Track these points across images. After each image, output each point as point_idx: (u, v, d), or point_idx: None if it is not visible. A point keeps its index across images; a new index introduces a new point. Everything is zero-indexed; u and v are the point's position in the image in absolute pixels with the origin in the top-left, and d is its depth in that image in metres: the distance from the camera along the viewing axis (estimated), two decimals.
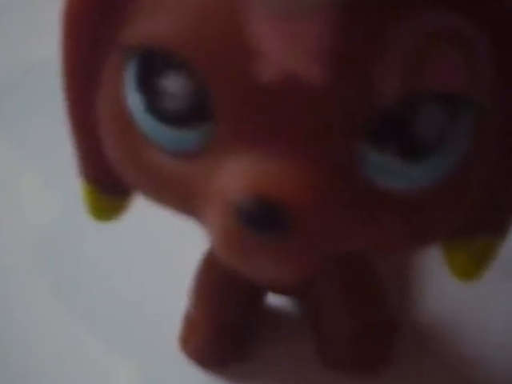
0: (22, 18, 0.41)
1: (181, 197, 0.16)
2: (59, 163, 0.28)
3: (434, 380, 0.22)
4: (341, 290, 0.21)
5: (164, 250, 0.25)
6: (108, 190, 0.18)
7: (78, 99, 0.17)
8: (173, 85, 0.14)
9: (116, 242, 0.26)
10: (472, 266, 0.17)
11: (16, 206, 0.29)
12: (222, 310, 0.22)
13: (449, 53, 0.13)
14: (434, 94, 0.13)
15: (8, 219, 0.28)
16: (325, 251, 0.15)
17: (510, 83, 0.14)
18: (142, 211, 0.18)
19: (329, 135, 0.13)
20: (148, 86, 0.15)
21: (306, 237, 0.14)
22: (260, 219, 0.13)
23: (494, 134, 0.15)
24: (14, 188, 0.29)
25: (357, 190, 0.14)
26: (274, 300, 0.23)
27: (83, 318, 0.24)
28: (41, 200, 0.29)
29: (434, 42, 0.13)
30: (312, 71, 0.13)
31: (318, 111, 0.13)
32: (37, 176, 0.30)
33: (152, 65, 0.14)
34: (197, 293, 0.22)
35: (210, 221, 0.15)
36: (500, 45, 0.14)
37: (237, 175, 0.14)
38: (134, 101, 0.15)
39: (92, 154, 0.17)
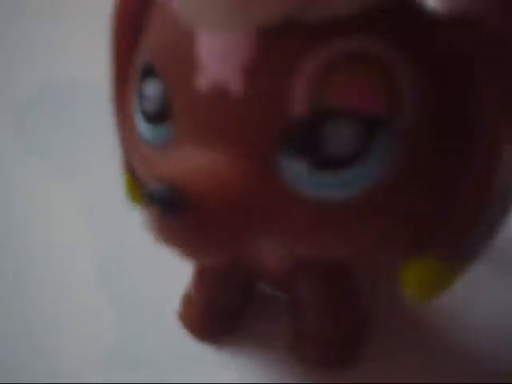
0: (49, 37, 0.43)
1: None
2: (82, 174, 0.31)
3: (434, 377, 0.22)
4: (317, 290, 0.22)
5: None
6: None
7: (119, 101, 0.20)
8: (149, 91, 0.17)
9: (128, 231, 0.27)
10: (424, 287, 0.17)
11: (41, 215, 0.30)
12: (217, 290, 0.23)
13: (362, 75, 0.14)
14: (346, 114, 0.14)
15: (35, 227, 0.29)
16: (235, 239, 0.16)
17: (442, 106, 0.15)
18: None
19: (247, 139, 0.15)
20: (139, 90, 0.17)
21: (196, 216, 0.15)
22: (159, 199, 0.15)
23: (425, 154, 0.15)
24: (38, 199, 0.31)
25: (268, 190, 0.15)
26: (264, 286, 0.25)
27: (93, 295, 0.26)
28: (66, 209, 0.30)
29: (345, 65, 0.14)
30: (235, 83, 0.15)
31: (239, 118, 0.15)
32: (60, 186, 0.31)
33: (143, 74, 0.17)
34: (196, 274, 0.23)
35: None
36: (424, 68, 0.15)
37: (164, 167, 0.16)
38: (134, 103, 0.18)
39: (131, 147, 0.20)
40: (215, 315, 0.24)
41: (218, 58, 0.15)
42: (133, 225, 0.21)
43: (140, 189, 0.21)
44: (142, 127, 0.18)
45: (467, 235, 0.16)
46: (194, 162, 0.15)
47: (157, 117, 0.17)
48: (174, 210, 0.15)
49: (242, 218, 0.15)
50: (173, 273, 0.25)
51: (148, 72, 0.17)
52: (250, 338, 0.24)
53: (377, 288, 0.25)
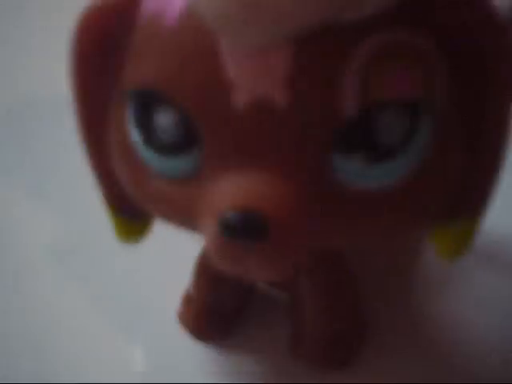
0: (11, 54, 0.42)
1: (181, 216, 0.17)
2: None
3: (434, 378, 0.22)
4: (317, 292, 0.22)
5: (171, 243, 0.25)
6: (127, 214, 0.19)
7: (91, 138, 0.18)
8: (163, 120, 0.15)
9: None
10: (457, 246, 0.18)
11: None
12: (215, 292, 0.24)
13: (403, 65, 0.14)
14: (394, 103, 0.14)
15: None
16: (304, 251, 0.16)
17: (466, 89, 0.15)
18: None
19: (299, 150, 0.15)
20: (144, 122, 0.16)
21: (281, 242, 0.15)
22: (242, 229, 0.14)
23: (455, 134, 0.16)
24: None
25: (329, 195, 0.15)
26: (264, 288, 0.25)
27: (93, 295, 0.26)
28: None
29: (387, 58, 0.14)
30: (277, 96, 0.14)
31: (286, 130, 0.14)
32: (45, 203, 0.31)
33: (146, 103, 0.16)
34: (196, 276, 0.24)
35: (204, 234, 0.16)
36: (455, 55, 0.15)
37: (223, 193, 0.15)
38: (134, 135, 0.16)
39: (109, 184, 0.19)
40: (215, 315, 0.24)
41: (254, 72, 0.14)
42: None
43: (135, 225, 0.20)
44: (155, 161, 0.16)
45: (489, 197, 0.18)
46: (254, 186, 0.15)
47: (177, 147, 0.16)
48: (257, 240, 0.15)
49: (313, 231, 0.15)
50: (173, 273, 0.25)
51: (154, 101, 0.15)
52: (249, 337, 0.24)
53: (375, 288, 0.25)
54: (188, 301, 0.24)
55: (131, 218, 0.20)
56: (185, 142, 0.15)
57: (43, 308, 0.26)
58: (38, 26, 0.45)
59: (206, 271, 0.24)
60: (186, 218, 0.17)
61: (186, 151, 0.15)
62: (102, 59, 0.17)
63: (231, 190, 0.15)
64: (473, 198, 0.17)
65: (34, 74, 0.40)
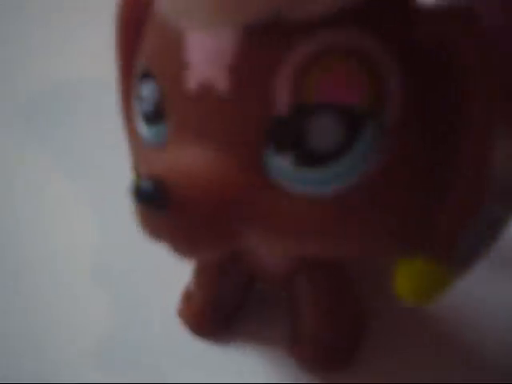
0: (52, 36, 0.43)
1: None
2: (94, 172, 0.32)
3: (433, 378, 0.22)
4: (315, 291, 0.22)
5: None
6: None
7: (125, 104, 0.20)
8: (146, 91, 0.17)
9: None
10: (416, 290, 0.16)
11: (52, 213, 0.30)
12: (217, 288, 0.23)
13: (343, 69, 0.14)
14: (327, 108, 0.14)
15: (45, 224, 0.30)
16: (219, 235, 0.16)
17: (434, 106, 0.15)
18: None
19: (233, 137, 0.15)
20: (138, 92, 0.18)
21: (177, 210, 0.15)
22: (143, 194, 0.15)
23: (412, 149, 0.15)
24: (40, 197, 0.31)
25: (258, 188, 0.15)
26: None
27: (93, 292, 0.26)
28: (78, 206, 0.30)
29: (326, 60, 0.14)
30: (222, 82, 0.15)
31: (225, 116, 0.15)
32: (61, 185, 0.32)
33: (141, 77, 0.18)
34: (197, 271, 0.24)
35: None
36: (409, 62, 0.14)
37: (154, 164, 0.16)
38: (135, 105, 0.18)
39: (135, 148, 0.20)
40: (214, 312, 0.24)
41: (205, 56, 0.15)
42: (134, 221, 0.21)
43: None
44: (142, 128, 0.18)
45: (457, 236, 0.15)
46: (180, 160, 0.16)
47: (153, 117, 0.17)
48: (158, 206, 0.15)
49: (226, 214, 0.15)
50: (173, 269, 0.25)
51: (145, 74, 0.17)
52: (247, 336, 0.24)
53: (375, 288, 0.24)
54: (188, 297, 0.24)
55: None
56: (157, 113, 0.17)
57: (43, 307, 0.26)
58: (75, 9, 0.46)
59: (206, 268, 0.24)
60: None
61: (157, 122, 0.17)
62: (137, 33, 0.19)
63: (160, 162, 0.16)
64: (435, 233, 0.16)
65: (69, 58, 0.41)
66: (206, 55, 0.15)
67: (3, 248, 0.28)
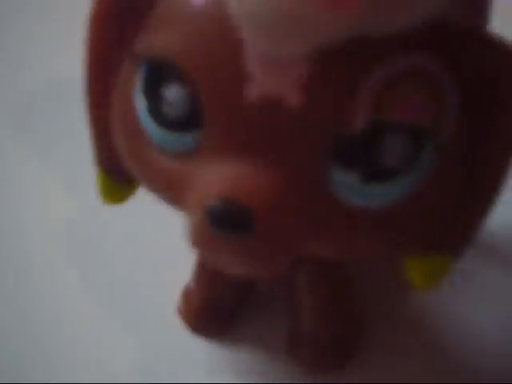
0: (50, 35, 0.41)
1: (169, 191, 0.17)
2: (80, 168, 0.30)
3: (435, 377, 0.22)
4: (314, 291, 0.22)
5: (171, 237, 0.24)
6: (117, 178, 0.19)
7: (96, 97, 0.18)
8: (172, 94, 0.15)
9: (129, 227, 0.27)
10: (429, 279, 0.18)
11: (41, 205, 0.30)
12: (216, 287, 0.24)
13: (419, 91, 0.14)
14: (400, 126, 0.14)
15: (35, 215, 0.29)
16: (289, 252, 0.16)
17: (471, 121, 0.16)
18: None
19: (299, 152, 0.15)
20: (152, 92, 0.16)
21: (266, 237, 0.15)
22: (224, 220, 0.14)
23: (454, 164, 0.16)
24: (39, 188, 0.31)
25: (320, 202, 0.15)
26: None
27: (96, 288, 0.26)
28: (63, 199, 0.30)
29: (406, 81, 0.14)
30: (291, 97, 0.14)
31: (291, 131, 0.14)
32: (60, 178, 0.31)
33: (158, 73, 0.16)
34: (197, 270, 0.24)
35: (187, 218, 0.16)
36: (464, 86, 0.15)
37: (212, 179, 0.15)
38: (140, 103, 0.16)
39: (104, 147, 0.19)
40: (214, 311, 0.24)
41: (273, 70, 0.14)
42: (133, 219, 0.21)
43: (122, 189, 0.20)
44: (156, 132, 0.16)
45: (474, 237, 0.17)
46: (247, 178, 0.15)
47: (179, 123, 0.16)
48: (239, 231, 0.14)
49: (299, 232, 0.15)
50: (173, 268, 0.25)
51: (166, 72, 0.15)
52: (246, 336, 0.24)
53: (374, 288, 0.25)
54: (188, 296, 0.24)
55: (118, 182, 0.19)
56: (188, 120, 0.15)
57: (41, 307, 0.26)
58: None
59: (206, 266, 0.24)
60: (173, 194, 0.17)
61: (187, 129, 0.16)
62: (122, 18, 0.17)
63: (221, 178, 0.15)
64: (456, 234, 0.17)
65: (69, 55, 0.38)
66: (275, 69, 0.14)
67: (2, 245, 0.28)
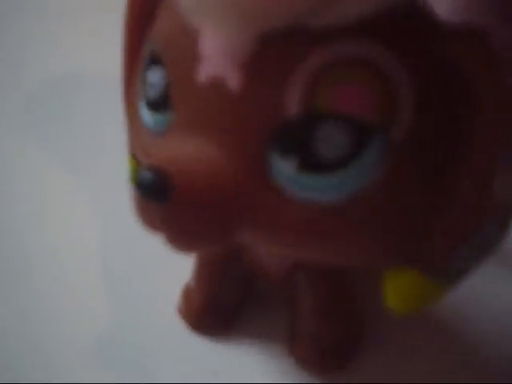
0: (52, 31, 0.42)
1: None
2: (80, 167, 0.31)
3: (435, 376, 0.22)
4: (315, 291, 0.22)
5: None
6: None
7: (128, 89, 0.20)
8: (152, 77, 0.17)
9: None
10: (404, 300, 0.17)
11: (39, 203, 0.30)
12: (217, 285, 0.24)
13: (357, 81, 0.14)
14: (338, 116, 0.14)
15: (32, 212, 0.30)
16: (214, 230, 0.16)
17: (438, 117, 0.15)
18: None
19: (239, 134, 0.15)
20: (143, 76, 0.18)
21: (180, 204, 0.15)
22: (145, 186, 0.15)
23: (415, 164, 0.15)
24: (40, 194, 0.31)
25: (258, 186, 0.15)
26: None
27: (96, 287, 0.26)
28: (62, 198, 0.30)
29: (337, 71, 0.14)
30: (233, 79, 0.15)
31: (233, 112, 0.15)
32: (62, 181, 0.31)
33: (148, 60, 0.17)
34: (197, 268, 0.24)
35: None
36: (426, 79, 0.14)
37: (155, 154, 0.16)
38: (138, 87, 0.18)
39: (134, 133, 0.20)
40: (214, 310, 0.24)
41: (219, 52, 0.15)
42: (133, 215, 0.21)
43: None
44: (145, 114, 0.18)
45: (451, 252, 0.16)
46: (184, 150, 0.16)
47: (159, 104, 0.17)
48: (158, 197, 0.15)
49: (225, 209, 0.15)
50: (173, 266, 0.25)
51: (154, 59, 0.17)
52: (247, 335, 0.24)
53: (374, 287, 0.23)
54: (188, 295, 0.24)
55: None
56: (163, 101, 0.17)
57: (42, 304, 0.26)
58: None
59: (206, 265, 0.24)
60: None
61: (162, 110, 0.17)
62: (149, 11, 0.18)
63: (162, 152, 0.16)
64: (431, 249, 0.16)
65: (77, 52, 0.40)
66: (221, 51, 0.15)
67: (2, 245, 0.28)
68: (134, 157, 0.20)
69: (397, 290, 0.17)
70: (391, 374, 0.22)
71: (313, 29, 0.14)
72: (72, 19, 0.44)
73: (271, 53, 0.15)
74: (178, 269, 0.25)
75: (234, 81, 0.15)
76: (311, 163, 0.15)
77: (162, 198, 0.15)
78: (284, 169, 0.15)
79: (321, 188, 0.15)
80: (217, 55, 0.15)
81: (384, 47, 0.14)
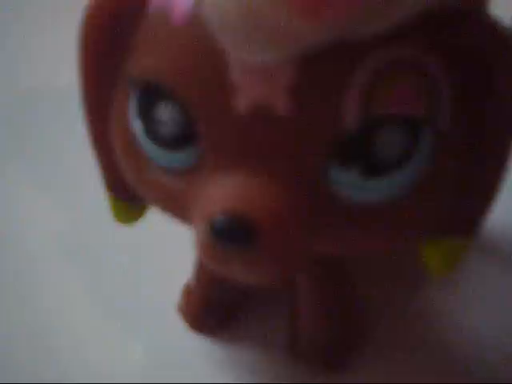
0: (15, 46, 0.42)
1: (174, 207, 0.17)
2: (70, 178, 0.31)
3: (435, 377, 0.22)
4: (315, 291, 0.22)
5: (171, 235, 0.25)
6: (126, 198, 0.20)
7: (95, 121, 0.18)
8: (164, 113, 0.15)
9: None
10: (445, 263, 0.18)
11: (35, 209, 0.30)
12: (215, 285, 0.23)
13: (407, 81, 0.14)
14: (395, 118, 0.14)
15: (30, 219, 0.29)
16: (294, 260, 0.16)
17: (469, 109, 0.15)
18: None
19: (296, 159, 0.15)
20: (146, 113, 0.16)
21: (269, 249, 0.15)
22: (228, 233, 0.14)
23: (455, 153, 0.16)
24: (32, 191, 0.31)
25: (325, 207, 0.15)
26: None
27: (96, 287, 0.26)
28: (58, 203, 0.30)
29: (391, 74, 0.14)
30: (279, 105, 0.14)
31: (284, 138, 0.14)
32: (48, 191, 0.31)
33: (149, 95, 0.16)
34: (197, 268, 0.24)
35: (194, 233, 0.16)
36: (459, 74, 0.15)
37: (214, 193, 0.15)
38: (136, 125, 0.16)
39: (109, 168, 0.19)
40: (214, 309, 0.24)
41: (258, 78, 0.14)
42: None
43: (133, 208, 0.20)
44: (154, 152, 0.16)
45: (484, 220, 0.17)
46: (247, 190, 0.15)
47: (176, 142, 0.16)
48: (244, 244, 0.15)
49: (304, 240, 0.15)
50: (174, 265, 0.25)
51: (156, 94, 0.16)
52: (247, 334, 0.24)
53: (376, 288, 0.25)
54: (188, 293, 0.24)
55: (129, 202, 0.20)
56: (183, 137, 0.15)
57: (42, 304, 0.26)
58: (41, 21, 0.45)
59: (207, 264, 0.23)
60: (178, 209, 0.17)
61: (183, 146, 0.16)
62: (110, 44, 0.17)
63: (223, 192, 0.15)
64: (468, 216, 0.17)
65: (35, 67, 0.40)
66: (260, 77, 0.14)
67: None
68: (113, 190, 0.20)
69: (437, 257, 0.18)
70: (392, 375, 0.22)
71: (358, 40, 0.14)
72: (40, 28, 0.44)
73: (318, 70, 0.14)
74: (178, 268, 0.25)
75: (281, 106, 0.14)
76: (374, 168, 0.15)
77: (247, 243, 0.15)
78: (347, 179, 0.15)
79: (385, 189, 0.15)
80: (256, 80, 0.14)
81: (426, 46, 0.14)
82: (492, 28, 0.15)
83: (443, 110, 0.15)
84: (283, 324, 0.24)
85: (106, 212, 0.20)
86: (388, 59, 0.14)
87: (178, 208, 0.17)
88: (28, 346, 0.24)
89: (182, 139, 0.16)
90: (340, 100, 0.14)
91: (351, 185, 0.15)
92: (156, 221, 0.21)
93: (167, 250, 0.27)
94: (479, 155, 0.16)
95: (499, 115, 0.16)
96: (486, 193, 0.17)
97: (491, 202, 0.17)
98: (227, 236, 0.14)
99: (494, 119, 0.16)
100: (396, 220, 0.16)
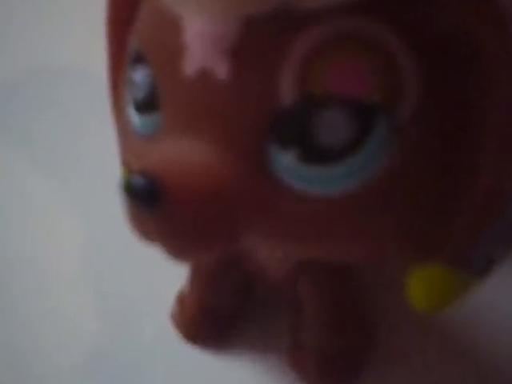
0: (35, 23, 0.41)
1: None
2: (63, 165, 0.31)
3: (438, 377, 0.22)
4: (319, 297, 0.21)
5: None
6: None
7: (115, 90, 0.19)
8: (137, 77, 0.16)
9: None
10: (430, 297, 0.16)
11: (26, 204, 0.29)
12: (211, 293, 0.23)
13: (355, 61, 0.13)
14: (337, 98, 0.14)
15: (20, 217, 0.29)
16: (210, 225, 0.15)
17: (448, 95, 0.14)
18: None
19: (233, 127, 0.14)
20: (128, 77, 0.17)
21: (176, 208, 0.14)
22: (136, 193, 0.14)
23: (426, 148, 0.14)
24: (22, 195, 0.30)
25: (259, 185, 0.15)
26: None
27: (84, 295, 0.25)
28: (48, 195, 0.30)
29: (336, 49, 0.13)
30: (219, 69, 0.14)
31: (225, 105, 0.14)
32: (45, 180, 0.31)
33: (133, 61, 0.17)
34: (192, 274, 0.23)
35: None
36: (426, 52, 0.14)
37: (150, 159, 0.15)
38: (125, 90, 0.17)
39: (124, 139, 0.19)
40: (209, 318, 0.23)
41: (204, 42, 0.14)
42: (124, 221, 0.20)
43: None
44: (132, 116, 0.17)
45: (476, 240, 0.15)
46: (175, 153, 0.15)
47: (146, 105, 0.16)
48: (151, 204, 0.14)
49: (224, 213, 0.15)
50: (167, 272, 0.24)
51: (137, 58, 0.17)
52: (245, 345, 0.23)
53: (384, 296, 0.24)
54: (182, 302, 0.24)
55: None
56: (150, 101, 0.16)
57: (30, 314, 0.25)
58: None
59: (201, 270, 0.23)
60: None
61: (150, 111, 0.16)
62: (130, 15, 0.18)
63: (157, 156, 0.15)
64: (454, 239, 0.15)
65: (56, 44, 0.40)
66: (205, 40, 0.14)
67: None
68: (127, 164, 0.20)
69: (421, 286, 0.16)
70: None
71: (302, 10, 0.13)
72: (61, 8, 0.43)
73: (259, 37, 0.14)
74: (172, 273, 0.24)
75: (221, 70, 0.14)
76: (313, 153, 0.14)
77: (155, 204, 0.14)
78: (284, 162, 0.14)
79: (325, 180, 0.14)
80: (201, 44, 0.14)
81: (382, 22, 0.13)
82: (480, 3, 0.13)
83: (406, 95, 0.14)
84: (284, 335, 0.23)
85: (102, 216, 0.21)
86: (336, 32, 0.13)
87: None
88: (22, 348, 0.24)
89: (150, 103, 0.16)
90: (277, 70, 0.14)
91: (290, 169, 0.14)
92: None
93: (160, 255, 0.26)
94: (466, 153, 0.14)
95: (500, 110, 0.14)
96: (482, 206, 0.15)
97: (491, 221, 0.15)
98: (135, 195, 0.14)
99: (493, 115, 0.14)
100: (349, 221, 0.15)
